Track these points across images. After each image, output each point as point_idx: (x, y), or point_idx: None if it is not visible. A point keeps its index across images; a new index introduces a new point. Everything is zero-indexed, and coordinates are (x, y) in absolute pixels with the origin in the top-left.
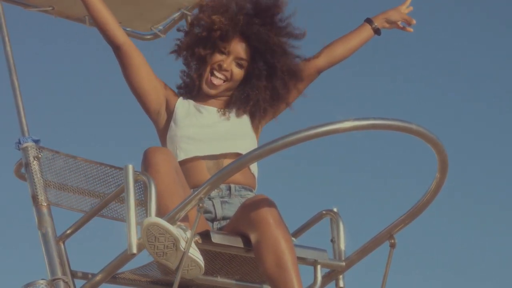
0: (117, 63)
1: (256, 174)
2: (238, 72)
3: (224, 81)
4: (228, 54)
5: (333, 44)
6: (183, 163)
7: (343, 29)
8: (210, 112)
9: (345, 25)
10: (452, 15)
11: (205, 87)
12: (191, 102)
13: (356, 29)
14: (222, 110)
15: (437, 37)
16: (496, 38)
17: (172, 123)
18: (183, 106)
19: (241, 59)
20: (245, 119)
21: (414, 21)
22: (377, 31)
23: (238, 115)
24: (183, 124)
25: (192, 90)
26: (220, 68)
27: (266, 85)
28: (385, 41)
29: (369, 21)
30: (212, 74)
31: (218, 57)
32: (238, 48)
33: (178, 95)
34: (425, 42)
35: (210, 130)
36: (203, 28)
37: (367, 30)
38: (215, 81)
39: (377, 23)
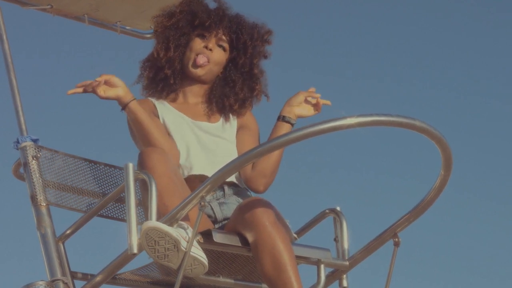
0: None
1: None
2: (221, 54)
3: (208, 61)
4: (209, 38)
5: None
6: None
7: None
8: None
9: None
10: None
11: (192, 70)
12: (173, 110)
13: (273, 132)
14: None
15: (435, 33)
16: (496, 32)
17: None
18: (169, 119)
19: (224, 41)
20: (232, 126)
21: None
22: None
23: (225, 124)
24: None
25: (169, 80)
26: (206, 48)
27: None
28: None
29: (282, 118)
30: (196, 56)
31: (199, 41)
32: (220, 33)
33: (154, 97)
34: (424, 40)
35: (201, 151)
36: (184, 17)
37: (284, 126)
38: (200, 61)
39: (290, 115)
